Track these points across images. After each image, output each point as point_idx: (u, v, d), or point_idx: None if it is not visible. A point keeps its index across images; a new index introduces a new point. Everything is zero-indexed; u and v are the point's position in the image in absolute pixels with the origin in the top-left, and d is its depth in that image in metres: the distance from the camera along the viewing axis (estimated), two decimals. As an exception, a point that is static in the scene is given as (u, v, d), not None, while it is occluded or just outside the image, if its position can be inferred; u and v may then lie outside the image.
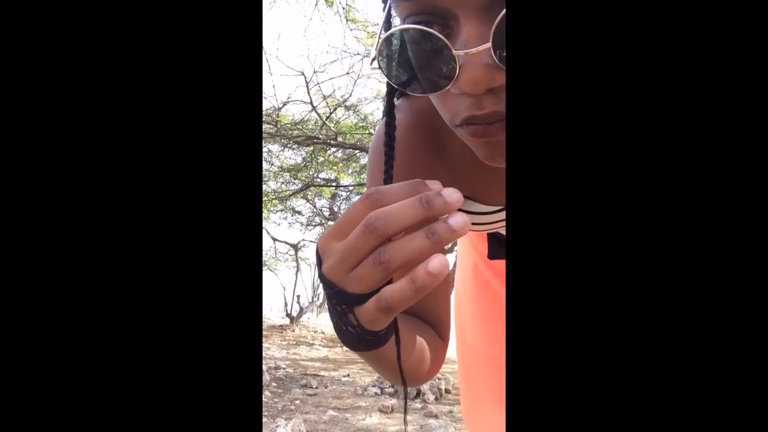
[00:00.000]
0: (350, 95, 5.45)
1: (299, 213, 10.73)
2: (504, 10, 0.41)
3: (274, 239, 12.69)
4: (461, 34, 0.41)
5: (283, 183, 7.94)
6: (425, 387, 3.98)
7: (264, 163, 7.09)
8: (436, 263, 0.36)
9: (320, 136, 5.78)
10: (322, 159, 6.79)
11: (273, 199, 7.72)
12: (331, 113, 5.52)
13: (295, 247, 12.37)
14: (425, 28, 0.42)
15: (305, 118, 5.73)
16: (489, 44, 0.40)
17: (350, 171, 7.46)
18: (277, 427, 2.59)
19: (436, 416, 3.31)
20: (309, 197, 9.29)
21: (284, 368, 5.31)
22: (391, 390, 4.15)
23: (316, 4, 3.90)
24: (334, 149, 6.64)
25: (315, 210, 10.27)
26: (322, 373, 5.17)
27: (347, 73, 5.02)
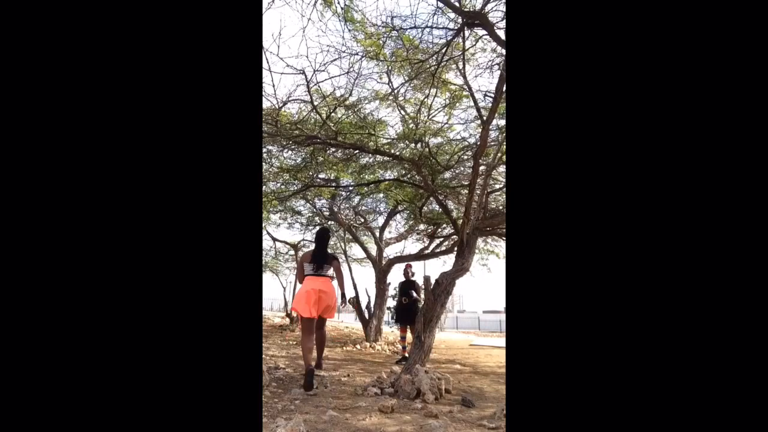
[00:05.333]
0: (350, 94, 5.44)
1: (299, 213, 10.71)
2: None
3: (274, 239, 12.68)
4: None
5: (282, 183, 7.93)
6: (425, 387, 3.98)
7: (264, 163, 7.08)
8: None
9: (320, 136, 5.76)
10: (321, 159, 6.78)
11: (273, 199, 7.71)
12: (330, 113, 5.50)
13: (295, 247, 12.35)
14: None
15: (305, 118, 5.72)
16: None
17: (350, 171, 7.45)
18: (277, 427, 2.59)
19: (436, 416, 3.30)
20: (309, 197, 9.27)
21: (284, 368, 5.30)
22: (391, 390, 4.14)
23: (314, 5, 3.89)
24: (333, 149, 6.63)
25: (315, 210, 10.26)
26: (322, 373, 5.16)
27: (347, 73, 5.01)
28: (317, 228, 6.00)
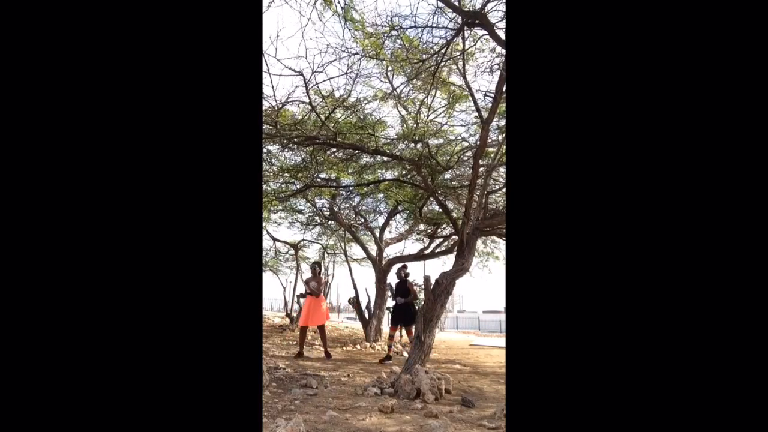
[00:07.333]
0: (349, 95, 5.44)
1: (299, 213, 10.72)
2: None
3: (274, 239, 12.69)
4: None
5: (283, 183, 7.93)
6: (425, 387, 3.98)
7: (264, 163, 7.07)
8: None
9: (320, 137, 5.77)
10: (321, 159, 6.79)
11: (273, 199, 7.72)
12: (330, 113, 5.51)
13: (295, 247, 12.36)
14: None
15: (304, 118, 5.72)
16: None
17: (350, 171, 7.45)
18: (277, 427, 2.59)
19: (436, 416, 3.30)
20: (309, 197, 9.27)
21: (284, 368, 5.30)
22: (391, 390, 4.14)
23: (314, 4, 3.89)
24: (333, 149, 6.64)
25: (315, 210, 10.27)
26: (322, 373, 5.16)
27: (346, 73, 5.00)
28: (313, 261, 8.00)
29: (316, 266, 7.36)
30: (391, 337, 7.11)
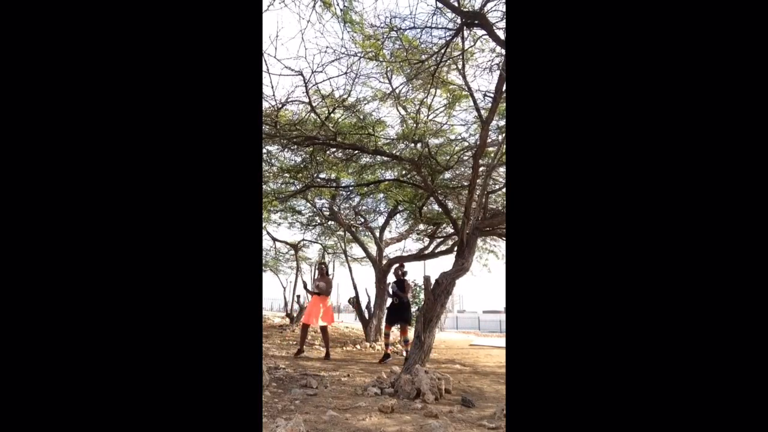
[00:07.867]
0: (348, 95, 5.44)
1: (299, 213, 10.73)
2: None
3: (274, 239, 12.70)
4: None
5: (283, 183, 7.93)
6: (425, 387, 3.97)
7: (264, 164, 7.07)
8: None
9: (320, 137, 5.77)
10: (321, 159, 6.79)
11: (273, 199, 7.72)
12: (330, 113, 5.51)
13: (295, 247, 12.37)
14: None
15: (304, 119, 5.72)
16: None
17: (350, 171, 7.45)
18: (277, 427, 2.59)
19: (436, 416, 3.30)
20: (309, 197, 9.27)
21: (284, 368, 5.30)
22: (391, 390, 4.14)
23: (313, 6, 3.89)
24: (333, 149, 6.64)
25: (315, 210, 10.27)
26: (322, 373, 5.16)
27: (345, 73, 5.00)
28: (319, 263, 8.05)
29: (323, 266, 7.34)
30: (386, 335, 7.10)
